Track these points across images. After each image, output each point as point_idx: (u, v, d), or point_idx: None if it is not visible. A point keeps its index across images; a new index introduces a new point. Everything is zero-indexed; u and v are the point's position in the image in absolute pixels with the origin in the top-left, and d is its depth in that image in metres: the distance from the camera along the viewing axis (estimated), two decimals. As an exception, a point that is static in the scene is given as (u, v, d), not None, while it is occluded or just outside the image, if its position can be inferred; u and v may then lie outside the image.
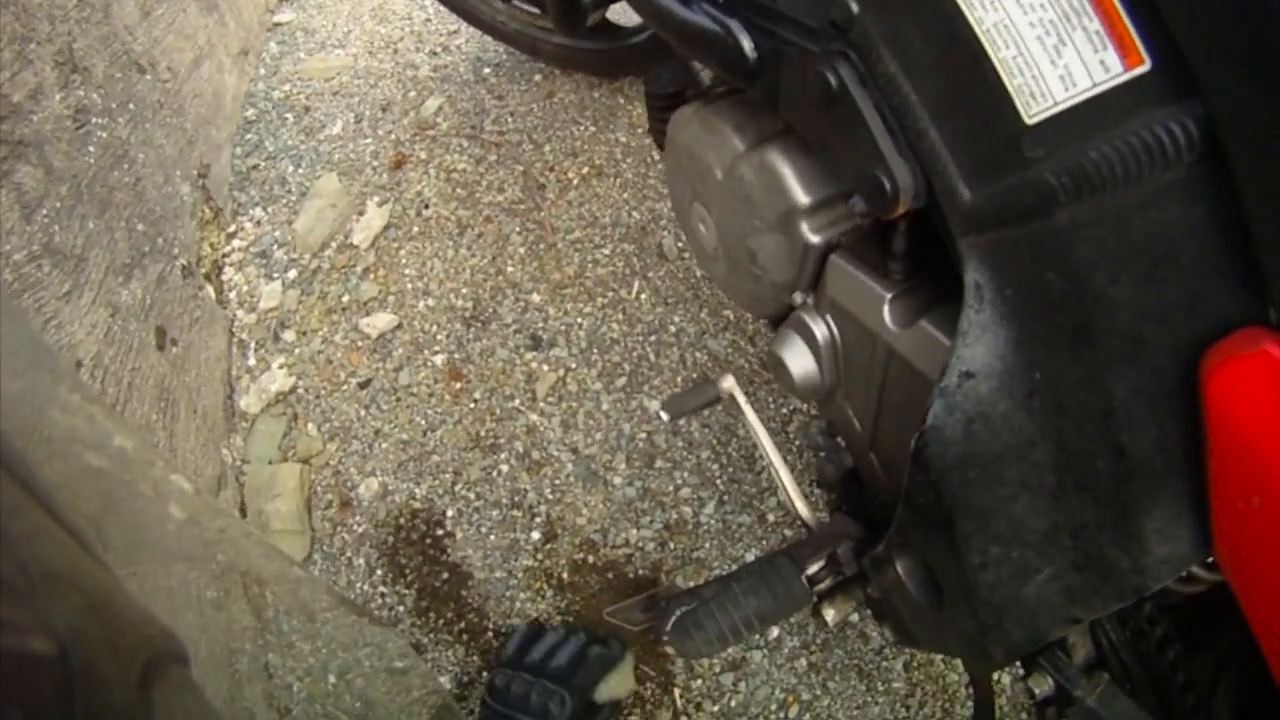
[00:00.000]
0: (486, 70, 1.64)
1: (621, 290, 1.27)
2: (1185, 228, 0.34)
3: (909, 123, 0.46)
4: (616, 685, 0.92)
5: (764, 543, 1.06)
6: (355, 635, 1.08)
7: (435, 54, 1.69)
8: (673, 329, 1.22)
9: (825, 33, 0.51)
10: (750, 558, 1.05)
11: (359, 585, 1.11)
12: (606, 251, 1.32)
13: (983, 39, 0.39)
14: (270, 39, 1.83)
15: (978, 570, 0.49)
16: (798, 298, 0.68)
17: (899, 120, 0.47)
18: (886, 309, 0.57)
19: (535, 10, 1.43)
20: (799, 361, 0.68)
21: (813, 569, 0.71)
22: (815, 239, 0.62)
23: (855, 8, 0.46)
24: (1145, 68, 0.33)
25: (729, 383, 0.80)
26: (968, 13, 0.39)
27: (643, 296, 1.26)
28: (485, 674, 1.03)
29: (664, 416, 0.85)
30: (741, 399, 0.80)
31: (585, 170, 1.43)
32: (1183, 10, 0.30)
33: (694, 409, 0.85)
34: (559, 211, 1.38)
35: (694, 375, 1.18)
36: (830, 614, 0.72)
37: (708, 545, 1.07)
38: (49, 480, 0.74)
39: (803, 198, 0.62)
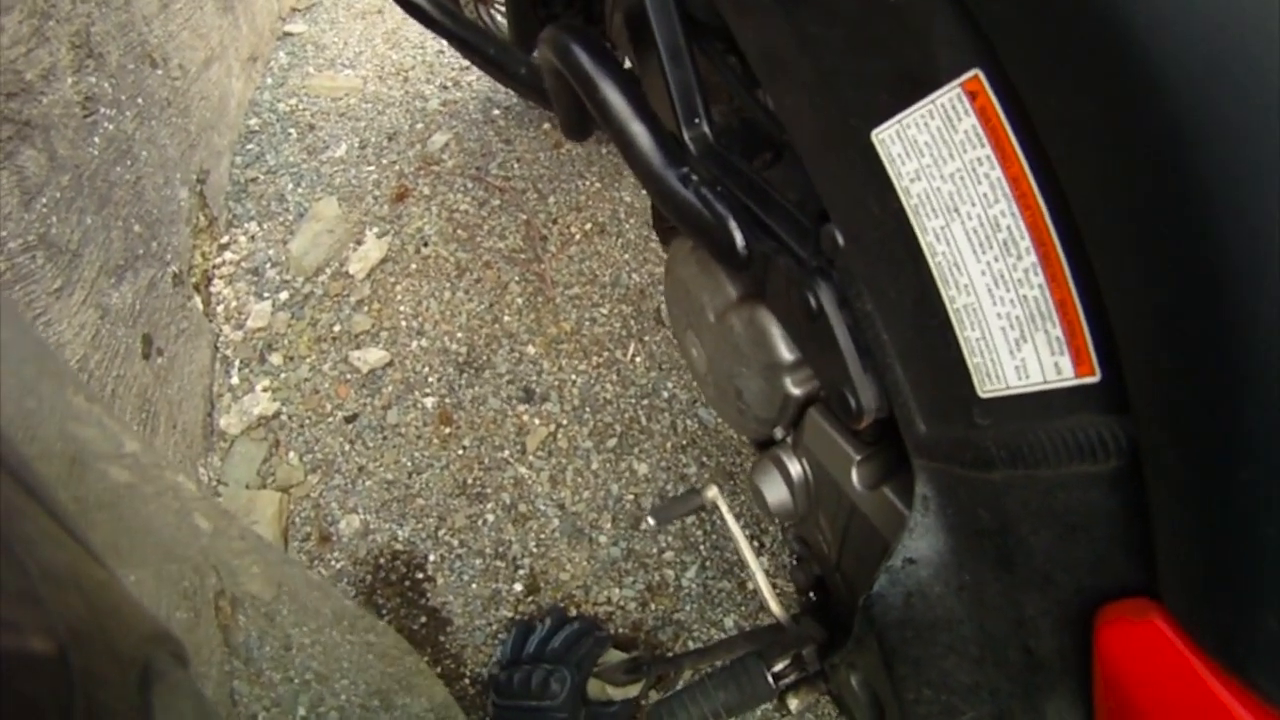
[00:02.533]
0: (496, 112, 1.66)
1: (617, 351, 1.30)
2: (1102, 509, 0.36)
3: (878, 355, 0.49)
4: (631, 686, 0.97)
5: (743, 608, 1.09)
6: (332, 666, 1.08)
7: (446, 88, 1.71)
8: (665, 394, 1.26)
9: (813, 250, 0.53)
10: (729, 623, 1.08)
11: (328, 630, 1.11)
12: (604, 311, 1.35)
13: (951, 315, 0.41)
14: (280, 48, 1.83)
15: (912, 704, 0.54)
16: (778, 433, 0.73)
17: (869, 350, 0.51)
18: (854, 470, 0.60)
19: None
20: (775, 491, 0.72)
21: (779, 666, 0.77)
22: (796, 392, 0.65)
23: (841, 242, 0.48)
24: (1094, 379, 0.35)
25: (713, 493, 0.85)
26: (941, 289, 0.40)
27: (638, 359, 1.29)
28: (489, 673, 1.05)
29: (651, 523, 0.89)
30: (724, 508, 0.84)
31: (588, 226, 1.46)
32: (1131, 350, 0.32)
33: (680, 516, 0.90)
34: (559, 265, 1.40)
35: (684, 443, 1.21)
36: (794, 703, 0.78)
37: (688, 608, 1.10)
38: (78, 501, 0.75)
39: (787, 355, 0.64)
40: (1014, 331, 0.37)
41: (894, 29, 0.36)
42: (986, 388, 0.40)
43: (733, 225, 0.59)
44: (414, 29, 1.86)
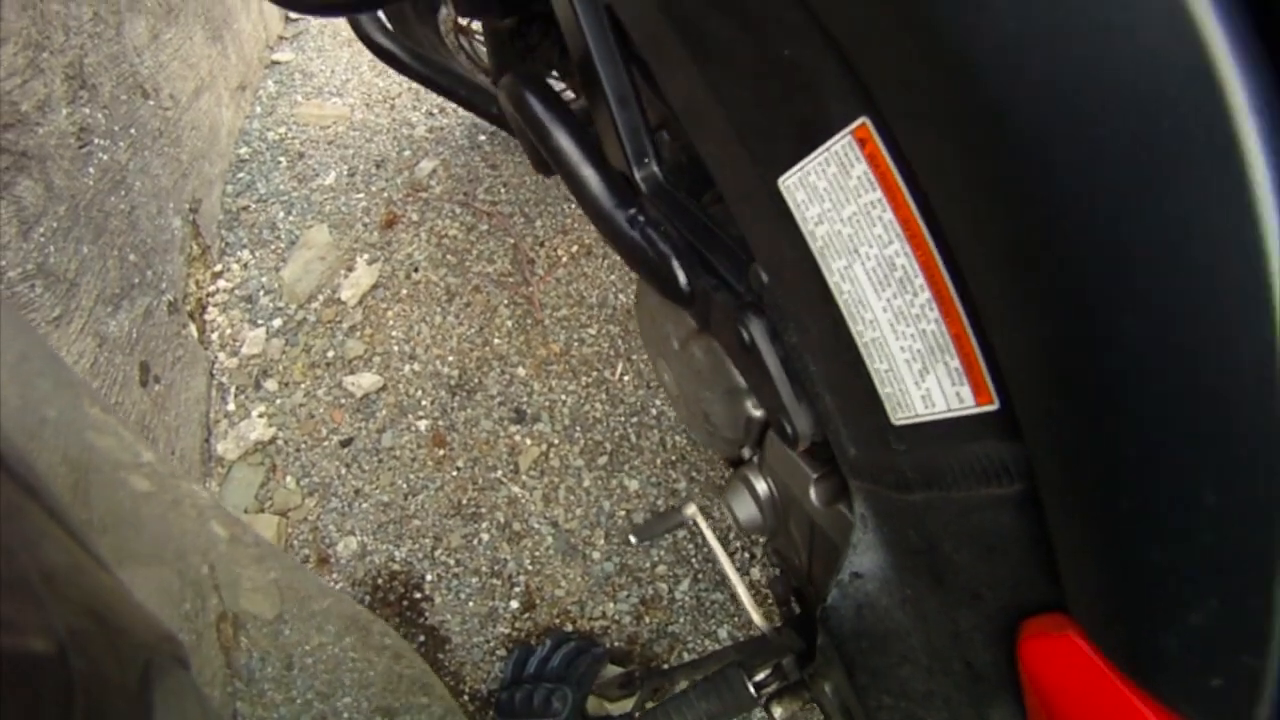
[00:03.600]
0: (481, 138, 1.69)
1: (605, 371, 1.33)
2: (1013, 530, 0.37)
3: (808, 385, 0.51)
4: (626, 701, 0.99)
5: (735, 619, 1.12)
6: (335, 684, 1.10)
7: (432, 114, 1.74)
8: (654, 412, 1.29)
9: (746, 286, 0.55)
10: (723, 634, 1.11)
11: (330, 647, 1.12)
12: (592, 331, 1.38)
13: (861, 349, 0.42)
14: (268, 77, 1.85)
15: (875, 711, 0.56)
16: (746, 453, 0.75)
17: (801, 380, 0.53)
18: (812, 488, 0.63)
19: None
20: (744, 509, 0.74)
21: (760, 676, 0.80)
22: (757, 414, 0.66)
23: (765, 279, 0.50)
24: (993, 407, 0.36)
25: (692, 510, 0.88)
26: (850, 325, 0.42)
27: (626, 378, 1.32)
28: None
29: (633, 541, 0.92)
30: (703, 525, 0.87)
31: (575, 249, 1.49)
32: (1014, 381, 0.34)
33: (661, 534, 0.92)
34: (547, 288, 1.43)
35: (673, 459, 1.24)
36: (778, 712, 0.81)
37: (682, 620, 1.12)
38: (99, 509, 0.76)
39: (743, 381, 0.66)
40: (917, 364, 0.39)
41: (789, 83, 0.38)
42: (898, 416, 0.42)
43: (675, 264, 0.62)
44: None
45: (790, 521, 0.72)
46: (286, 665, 1.13)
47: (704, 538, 0.89)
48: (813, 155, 0.38)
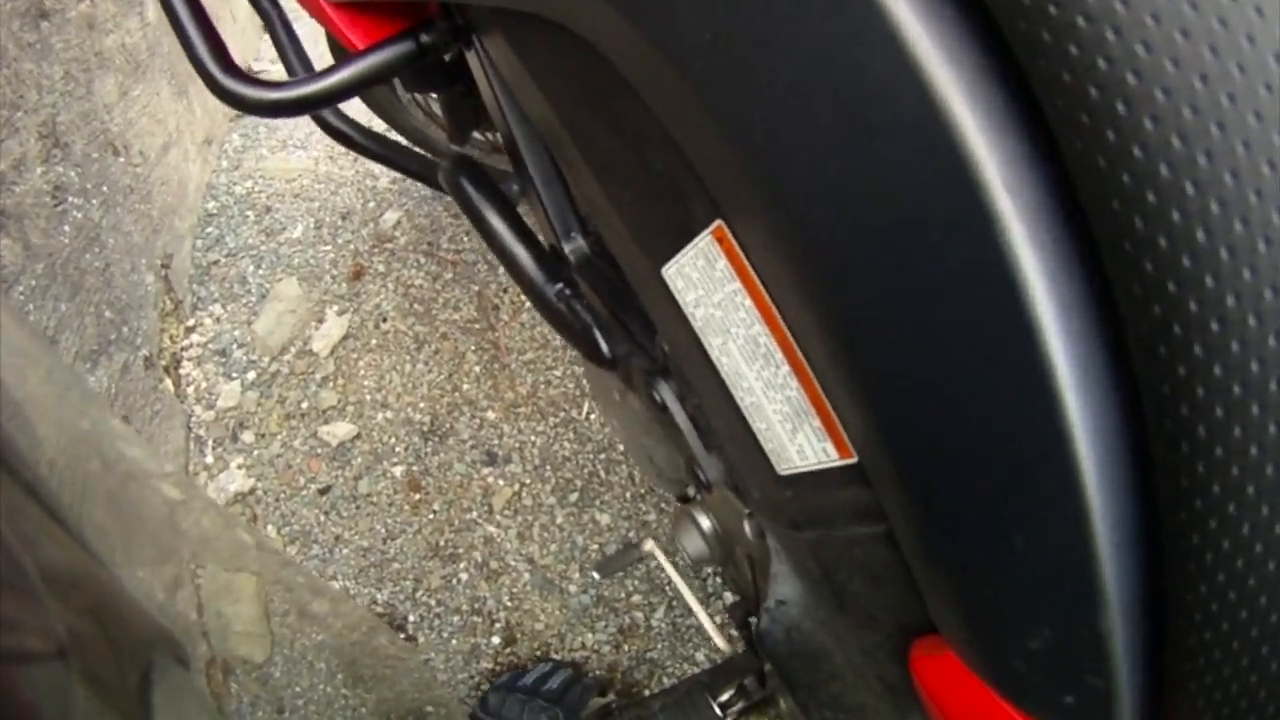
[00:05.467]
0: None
1: (572, 410, 1.38)
2: (889, 562, 0.40)
3: (712, 439, 0.57)
4: None
5: (711, 643, 1.17)
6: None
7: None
8: (620, 448, 1.34)
9: (657, 353, 0.60)
10: (701, 657, 1.16)
11: (321, 688, 1.16)
12: (558, 373, 1.43)
13: (744, 411, 0.46)
14: (233, 130, 1.87)
15: None
16: (690, 491, 0.81)
17: (706, 434, 0.58)
18: (745, 523, 0.67)
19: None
20: (692, 544, 0.78)
21: (725, 696, 0.84)
22: None
23: (667, 349, 0.55)
24: (853, 460, 0.39)
25: (650, 545, 0.93)
26: (733, 391, 0.46)
27: (592, 417, 1.37)
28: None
29: (596, 577, 0.96)
30: (661, 558, 0.92)
31: (538, 293, 1.53)
32: (855, 447, 0.38)
33: (623, 567, 0.98)
34: (512, 333, 1.48)
35: (642, 491, 1.29)
36: None
37: (660, 647, 1.17)
38: (130, 515, 0.79)
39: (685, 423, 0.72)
40: (788, 424, 0.43)
41: (663, 188, 0.42)
42: (781, 468, 0.46)
43: (596, 333, 0.66)
44: (359, 108, 1.93)
45: (734, 552, 0.77)
46: (278, 709, 1.16)
47: (669, 571, 0.94)
48: (685, 250, 0.42)
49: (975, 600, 0.34)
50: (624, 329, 0.64)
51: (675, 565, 0.97)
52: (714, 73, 0.31)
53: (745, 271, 0.39)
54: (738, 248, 0.38)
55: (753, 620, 0.90)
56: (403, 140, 1.50)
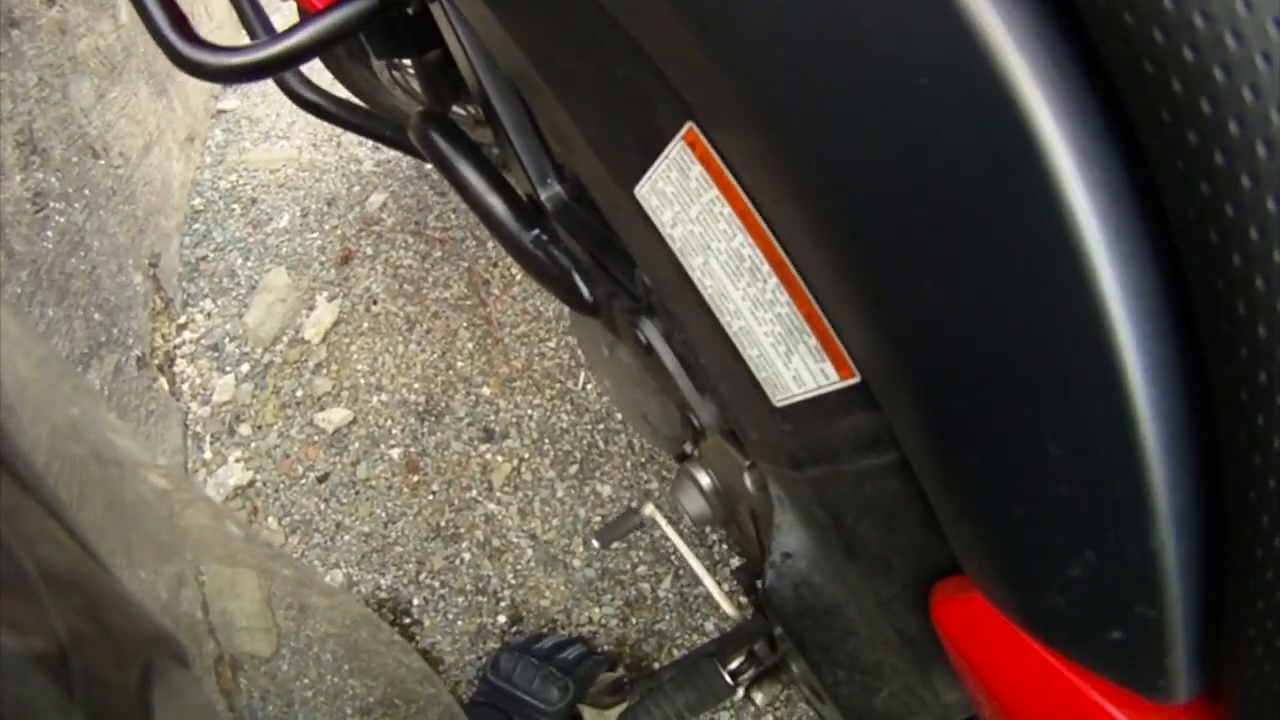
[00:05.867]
0: (428, 166, 1.70)
1: (569, 382, 1.35)
2: (904, 496, 0.38)
3: (704, 378, 0.54)
4: (615, 707, 1.01)
5: (720, 610, 1.14)
6: (336, 716, 1.11)
7: (378, 149, 1.75)
8: (619, 417, 1.31)
9: (638, 290, 0.57)
10: (710, 626, 1.13)
11: (329, 679, 1.14)
12: (552, 345, 1.39)
13: (732, 338, 0.43)
14: (215, 126, 1.85)
15: (834, 686, 0.58)
16: (688, 448, 0.77)
17: (696, 374, 0.55)
18: (746, 475, 0.64)
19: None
20: (693, 502, 0.76)
21: (735, 664, 0.82)
22: None
23: (649, 282, 0.52)
24: (856, 380, 0.36)
25: (649, 509, 0.90)
26: (719, 316, 0.43)
27: (589, 387, 1.34)
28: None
29: (596, 545, 0.94)
30: (662, 521, 0.89)
31: (528, 265, 1.50)
32: (854, 352, 0.35)
33: (623, 535, 0.95)
34: (504, 307, 1.45)
35: (642, 460, 1.26)
36: (759, 697, 0.82)
37: (668, 618, 1.14)
38: (125, 505, 0.78)
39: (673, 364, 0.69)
40: (781, 346, 0.40)
41: (628, 99, 0.39)
42: (778, 398, 0.43)
43: (576, 277, 0.64)
44: (341, 93, 1.90)
45: (738, 510, 0.74)
46: (287, 703, 1.14)
47: (669, 534, 0.91)
48: (657, 163, 0.40)
49: (1006, 527, 0.31)
50: (604, 270, 0.62)
51: (678, 531, 0.94)
52: None
53: (723, 176, 0.36)
54: (713, 151, 0.35)
55: (759, 581, 0.86)
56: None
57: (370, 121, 1.06)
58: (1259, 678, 0.26)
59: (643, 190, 0.42)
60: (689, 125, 0.36)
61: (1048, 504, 0.29)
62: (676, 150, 0.38)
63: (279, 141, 1.80)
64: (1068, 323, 0.24)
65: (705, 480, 0.74)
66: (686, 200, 0.39)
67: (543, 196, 0.65)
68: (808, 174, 0.29)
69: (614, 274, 0.61)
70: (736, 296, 0.40)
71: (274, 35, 0.62)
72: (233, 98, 1.95)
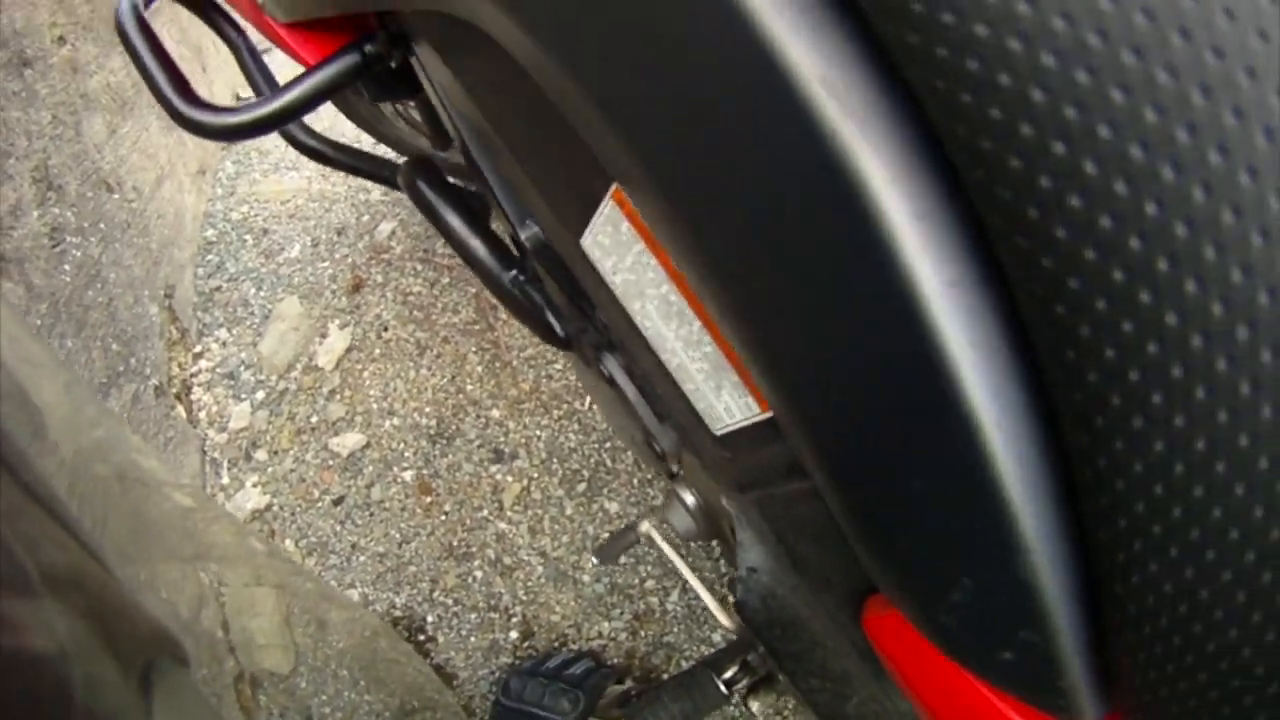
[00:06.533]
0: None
1: (575, 402, 1.39)
2: (828, 518, 0.37)
3: (659, 406, 0.57)
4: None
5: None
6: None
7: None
8: (624, 437, 1.35)
9: (598, 328, 0.61)
10: (717, 638, 1.17)
11: (346, 694, 1.18)
12: (558, 367, 1.44)
13: (674, 374, 0.46)
14: (226, 158, 1.90)
15: (809, 693, 0.61)
16: (674, 467, 0.82)
17: (655, 404, 0.58)
18: (722, 495, 0.68)
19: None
20: (680, 520, 0.79)
21: (730, 673, 0.85)
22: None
23: (606, 321, 0.55)
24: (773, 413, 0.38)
25: (645, 526, 0.94)
26: (660, 355, 0.46)
27: (594, 408, 1.38)
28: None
29: (595, 562, 0.97)
30: (658, 537, 0.93)
31: (534, 290, 1.55)
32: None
33: (621, 551, 0.99)
34: (511, 330, 1.49)
35: (648, 476, 1.30)
36: (755, 705, 0.86)
37: (676, 630, 1.18)
38: (150, 522, 0.80)
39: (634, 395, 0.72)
40: (711, 381, 0.43)
41: (567, 158, 0.42)
42: (716, 427, 0.46)
43: (549, 314, 0.68)
44: (347, 126, 1.95)
45: (721, 526, 0.77)
46: (306, 718, 1.18)
47: (664, 549, 0.94)
48: (594, 218, 0.43)
49: (894, 553, 0.32)
50: (576, 308, 0.65)
51: (676, 546, 0.98)
52: (577, 52, 0.31)
53: (645, 231, 0.39)
54: (636, 209, 0.38)
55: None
56: (388, 150, 1.52)
57: (369, 164, 1.10)
58: (1141, 708, 0.27)
59: (586, 241, 0.46)
60: (614, 185, 0.39)
61: (922, 535, 0.30)
62: (609, 207, 0.41)
63: (289, 173, 1.86)
64: (913, 370, 0.25)
65: (690, 499, 0.77)
66: (621, 251, 0.42)
67: (522, 237, 0.68)
68: (686, 238, 0.31)
69: (583, 310, 0.65)
70: (671, 337, 0.44)
71: (268, 96, 0.66)
72: (242, 131, 2.01)
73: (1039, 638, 0.28)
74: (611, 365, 0.61)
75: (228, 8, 0.92)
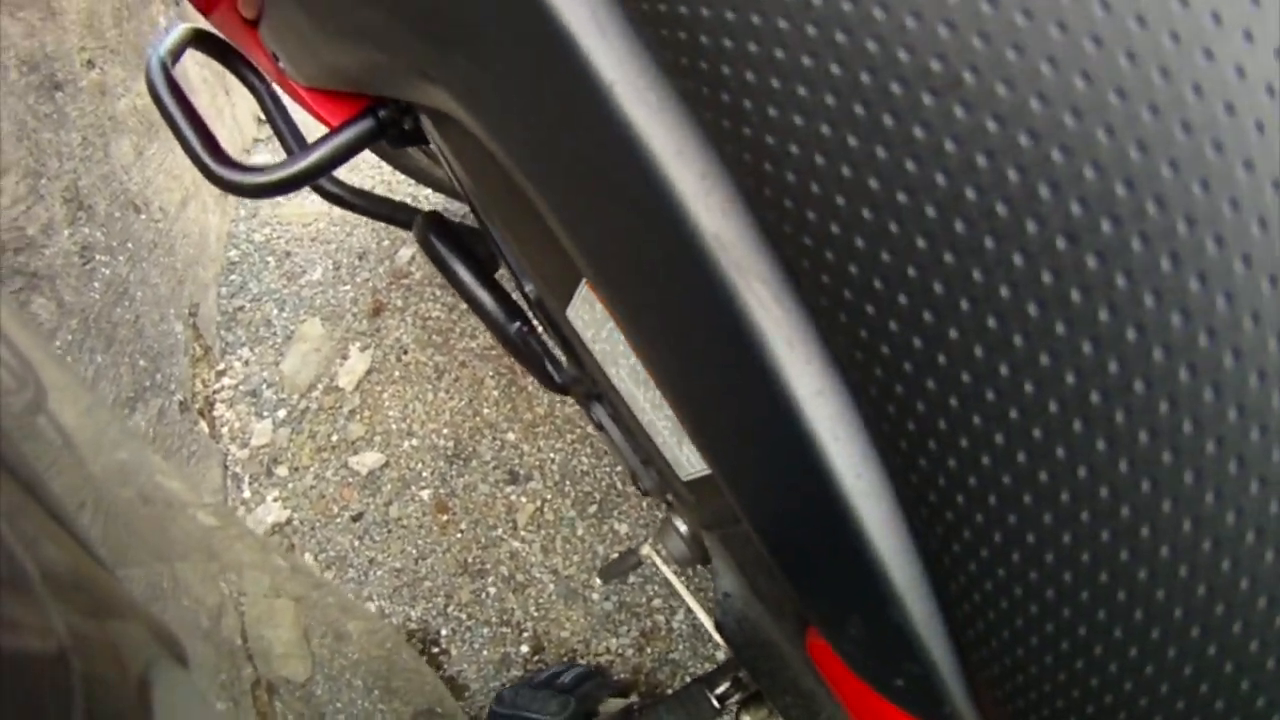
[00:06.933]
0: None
1: (588, 427, 1.46)
2: None
3: (640, 451, 0.62)
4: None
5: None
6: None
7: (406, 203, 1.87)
8: (633, 462, 1.41)
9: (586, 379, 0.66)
10: (720, 655, 1.23)
11: (360, 703, 1.23)
12: (572, 392, 1.50)
13: (645, 428, 0.51)
14: (247, 184, 1.97)
15: (785, 709, 0.66)
16: (669, 497, 0.88)
17: (637, 448, 0.63)
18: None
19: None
20: (674, 546, 0.83)
21: (721, 688, 0.90)
22: None
23: (577, 372, 0.62)
24: None
25: (646, 549, 1.00)
26: (634, 412, 0.51)
27: (606, 433, 1.45)
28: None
29: (599, 583, 1.03)
30: (658, 561, 0.98)
31: (548, 318, 1.62)
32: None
33: (624, 573, 1.06)
34: (527, 356, 1.56)
35: (656, 500, 1.37)
36: (746, 719, 0.91)
37: (681, 647, 1.24)
38: (176, 543, 0.83)
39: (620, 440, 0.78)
40: (674, 436, 0.48)
41: (551, 245, 0.46)
42: (683, 475, 0.50)
43: (547, 363, 0.74)
44: (368, 153, 2.03)
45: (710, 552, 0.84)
46: (321, 724, 1.23)
47: (664, 571, 1.00)
48: (575, 295, 0.49)
49: (802, 591, 0.36)
50: (570, 359, 0.71)
51: (672, 568, 1.04)
52: (536, 170, 0.36)
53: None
54: None
55: None
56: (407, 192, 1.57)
57: (388, 209, 1.17)
58: None
59: (570, 313, 0.52)
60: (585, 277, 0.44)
61: (819, 579, 0.34)
62: (584, 289, 0.47)
63: (310, 196, 1.92)
64: (794, 457, 0.29)
65: (682, 527, 0.84)
66: (597, 325, 0.49)
67: (526, 289, 0.73)
68: (627, 332, 0.36)
69: (578, 362, 0.71)
70: (640, 398, 0.50)
71: (291, 158, 0.70)
72: (264, 153, 2.08)
73: (920, 669, 0.31)
74: (600, 413, 0.67)
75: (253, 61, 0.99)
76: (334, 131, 0.69)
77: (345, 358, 1.59)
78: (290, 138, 0.95)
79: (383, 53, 0.51)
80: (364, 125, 0.68)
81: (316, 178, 0.70)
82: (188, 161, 1.82)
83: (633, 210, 0.29)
